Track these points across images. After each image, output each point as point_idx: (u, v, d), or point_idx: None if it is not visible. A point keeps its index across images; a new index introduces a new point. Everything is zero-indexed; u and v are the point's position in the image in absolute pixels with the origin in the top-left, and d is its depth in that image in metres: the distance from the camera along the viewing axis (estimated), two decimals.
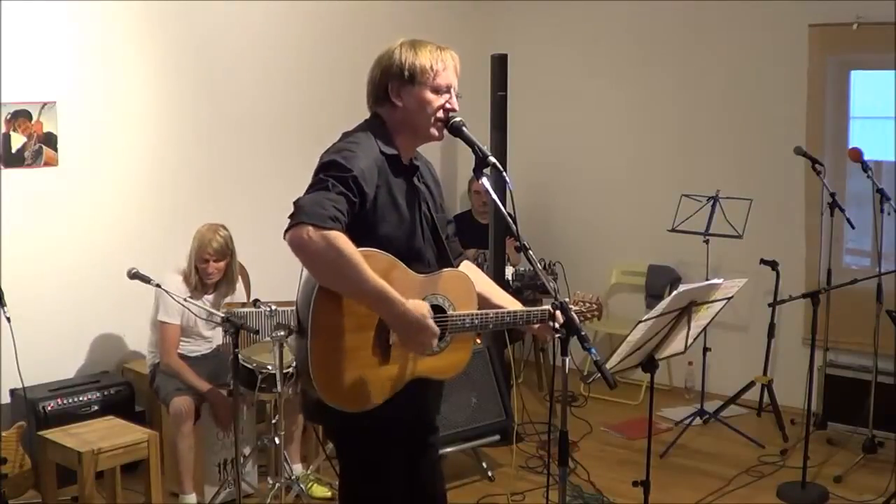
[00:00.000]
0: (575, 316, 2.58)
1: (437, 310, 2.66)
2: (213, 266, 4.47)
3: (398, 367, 2.60)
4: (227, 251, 4.51)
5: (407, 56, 2.64)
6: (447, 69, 2.67)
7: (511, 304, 2.87)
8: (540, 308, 2.77)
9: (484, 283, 2.91)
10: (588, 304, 2.98)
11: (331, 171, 2.51)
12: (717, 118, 6.20)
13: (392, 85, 2.66)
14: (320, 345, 2.50)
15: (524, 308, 2.82)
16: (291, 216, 2.44)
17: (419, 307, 2.53)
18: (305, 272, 2.54)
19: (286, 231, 2.44)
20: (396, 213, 2.64)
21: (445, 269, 2.72)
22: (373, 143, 2.63)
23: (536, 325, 2.80)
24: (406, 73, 2.63)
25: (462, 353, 2.77)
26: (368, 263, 2.45)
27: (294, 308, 2.64)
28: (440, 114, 2.67)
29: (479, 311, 2.74)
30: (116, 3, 4.90)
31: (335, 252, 2.40)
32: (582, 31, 6.71)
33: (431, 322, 2.53)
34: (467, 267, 2.91)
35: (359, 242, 2.49)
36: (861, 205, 5.45)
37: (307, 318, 2.50)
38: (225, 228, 4.54)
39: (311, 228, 2.39)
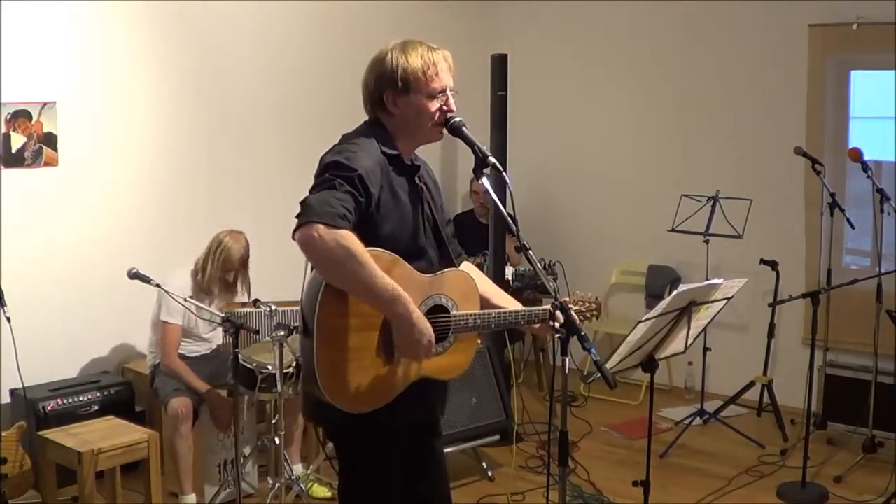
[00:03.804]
0: (575, 316, 2.58)
1: (441, 310, 2.66)
2: (235, 276, 4.54)
3: (403, 367, 2.60)
4: (247, 259, 4.57)
5: (399, 62, 2.62)
6: (440, 71, 2.65)
7: (511, 304, 2.87)
8: (540, 308, 2.77)
9: (484, 284, 2.90)
10: (587, 304, 2.99)
11: (336, 171, 2.50)
12: (717, 118, 6.20)
13: (387, 94, 2.65)
14: (326, 346, 2.49)
15: (525, 308, 2.82)
16: (299, 215, 2.43)
17: (420, 315, 2.52)
18: (310, 272, 2.54)
19: (295, 230, 2.43)
20: (399, 212, 2.64)
21: (449, 269, 2.72)
22: (374, 144, 2.62)
23: (537, 325, 2.80)
24: (399, 82, 2.62)
25: (465, 354, 2.77)
26: (375, 263, 2.45)
27: (299, 308, 2.64)
28: (437, 117, 2.66)
29: (481, 311, 2.75)
30: (116, 3, 4.90)
31: (345, 251, 2.39)
32: (582, 32, 6.72)
33: (430, 330, 2.52)
34: (468, 267, 2.90)
35: (363, 242, 2.48)
36: (861, 205, 5.45)
37: (312, 318, 2.49)
38: (244, 235, 4.58)
39: (321, 227, 2.38)
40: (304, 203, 2.44)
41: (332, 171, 2.50)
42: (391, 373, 2.58)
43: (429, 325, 2.52)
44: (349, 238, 2.40)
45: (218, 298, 4.58)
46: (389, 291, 2.45)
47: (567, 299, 2.81)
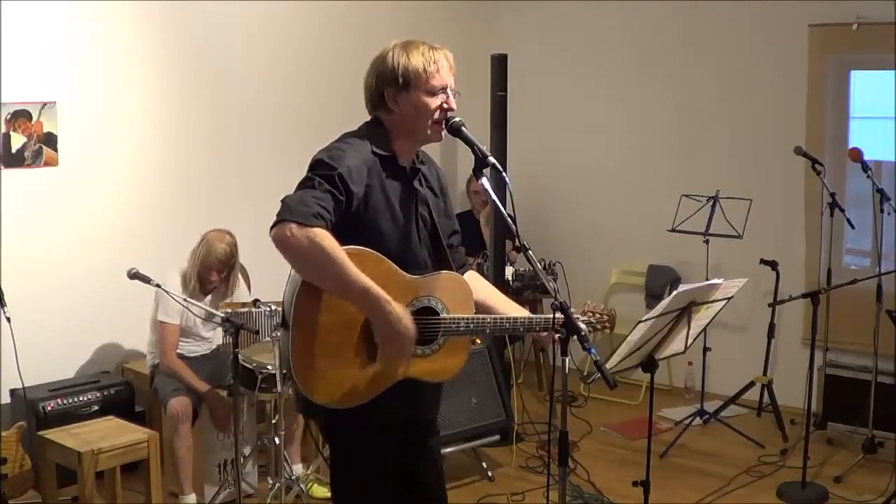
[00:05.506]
0: (573, 318, 2.57)
1: (429, 312, 2.64)
2: (217, 276, 4.50)
3: (386, 367, 2.59)
4: (231, 260, 4.53)
5: (399, 60, 2.63)
6: (441, 69, 2.66)
7: (516, 312, 2.83)
8: (543, 316, 2.72)
9: (488, 292, 2.88)
10: (598, 316, 2.90)
11: (318, 170, 2.53)
12: (717, 118, 6.20)
13: (388, 91, 2.66)
14: (302, 339, 2.51)
15: (526, 315, 2.79)
16: (277, 214, 2.46)
17: (401, 311, 2.51)
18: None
19: (271, 228, 2.46)
20: (390, 213, 2.63)
21: (441, 272, 2.70)
22: (365, 145, 2.63)
23: (544, 334, 2.77)
24: (400, 78, 2.63)
25: (456, 358, 2.74)
26: (356, 262, 2.46)
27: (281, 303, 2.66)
28: (437, 115, 2.66)
29: (475, 315, 2.72)
30: (116, 3, 4.90)
31: (317, 249, 2.41)
32: (582, 32, 6.71)
33: (412, 327, 2.52)
34: (472, 277, 2.88)
35: (351, 241, 2.50)
36: (861, 205, 5.44)
37: (290, 312, 2.53)
38: (231, 235, 4.55)
39: (293, 226, 2.41)
40: (282, 202, 2.48)
41: (314, 171, 2.54)
42: (372, 372, 2.58)
43: (409, 321, 2.52)
44: (321, 235, 2.42)
45: (212, 296, 4.57)
46: (363, 289, 2.45)
47: (572, 308, 2.79)
